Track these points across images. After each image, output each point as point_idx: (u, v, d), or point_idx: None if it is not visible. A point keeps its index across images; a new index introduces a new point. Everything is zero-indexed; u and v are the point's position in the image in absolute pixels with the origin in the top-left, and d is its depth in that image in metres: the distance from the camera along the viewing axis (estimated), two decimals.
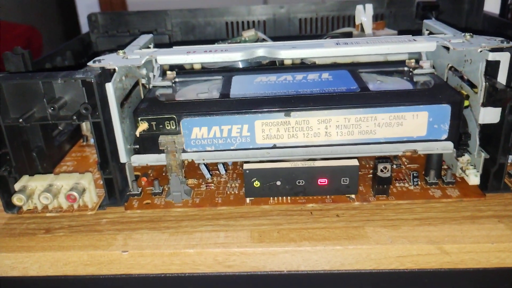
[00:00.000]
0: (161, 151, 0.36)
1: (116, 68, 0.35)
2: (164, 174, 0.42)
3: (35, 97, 0.34)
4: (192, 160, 0.37)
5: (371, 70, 0.43)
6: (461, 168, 0.38)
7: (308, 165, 0.35)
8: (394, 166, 0.41)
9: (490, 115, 0.35)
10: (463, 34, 0.39)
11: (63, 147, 0.47)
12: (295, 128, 0.36)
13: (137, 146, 0.37)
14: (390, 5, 0.65)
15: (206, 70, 0.46)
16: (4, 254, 0.33)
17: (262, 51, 0.39)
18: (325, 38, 0.54)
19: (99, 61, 0.36)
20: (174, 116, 0.36)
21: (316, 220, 0.35)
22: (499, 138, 0.34)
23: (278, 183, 0.36)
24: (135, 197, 0.38)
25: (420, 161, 0.42)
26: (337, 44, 0.40)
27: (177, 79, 0.44)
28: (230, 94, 0.39)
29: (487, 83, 0.34)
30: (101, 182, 0.37)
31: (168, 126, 0.36)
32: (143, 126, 0.36)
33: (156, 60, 0.40)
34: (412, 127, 0.36)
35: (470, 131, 0.37)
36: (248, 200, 0.37)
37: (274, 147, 0.37)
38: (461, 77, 0.38)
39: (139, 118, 0.36)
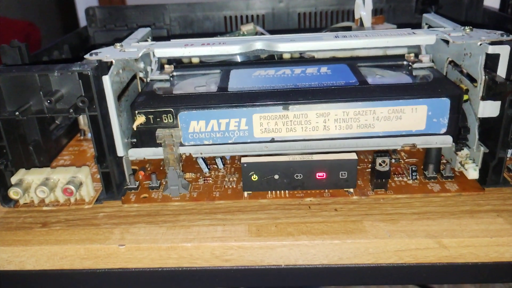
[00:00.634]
0: (159, 145, 0.36)
1: (113, 61, 0.35)
2: (161, 168, 0.42)
3: (32, 90, 0.34)
4: (190, 154, 0.37)
5: (370, 64, 0.43)
6: (460, 162, 0.38)
7: (306, 159, 0.35)
8: (393, 160, 0.41)
9: (490, 108, 0.34)
10: (462, 27, 0.39)
11: (60, 141, 0.46)
12: (293, 121, 0.36)
13: (135, 140, 0.37)
14: None
15: (204, 64, 0.46)
16: (1, 248, 0.33)
17: (260, 44, 0.39)
18: (324, 32, 0.54)
19: (96, 54, 0.36)
20: (172, 110, 0.36)
21: (314, 214, 0.34)
22: (499, 132, 0.34)
23: (276, 177, 0.36)
24: (132, 191, 0.38)
25: (419, 155, 0.41)
26: (336, 37, 0.39)
27: (175, 73, 0.44)
28: (228, 87, 0.38)
29: (486, 77, 0.34)
30: (98, 176, 0.37)
31: (165, 119, 0.36)
32: (140, 119, 0.36)
33: (153, 53, 0.40)
34: (411, 121, 0.36)
35: (469, 125, 0.36)
36: (246, 194, 0.37)
37: (272, 140, 0.37)
38: (461, 71, 0.38)
39: (136, 112, 0.36)
